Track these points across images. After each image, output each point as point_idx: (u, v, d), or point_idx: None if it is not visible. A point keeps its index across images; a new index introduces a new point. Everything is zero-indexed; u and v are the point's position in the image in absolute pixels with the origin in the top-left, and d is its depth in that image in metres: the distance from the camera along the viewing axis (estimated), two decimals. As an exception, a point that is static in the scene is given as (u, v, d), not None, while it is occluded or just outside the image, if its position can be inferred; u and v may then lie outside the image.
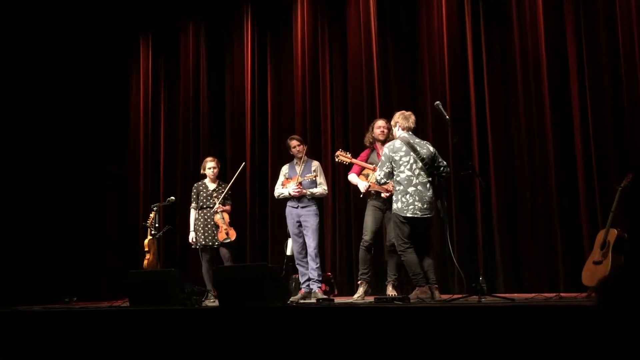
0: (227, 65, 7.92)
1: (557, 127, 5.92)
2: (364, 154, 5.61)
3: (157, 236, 6.32)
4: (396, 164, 4.86)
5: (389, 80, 6.92)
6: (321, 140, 7.18)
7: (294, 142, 5.93)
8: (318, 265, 5.78)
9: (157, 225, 6.32)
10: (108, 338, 4.33)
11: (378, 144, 5.55)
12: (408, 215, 4.80)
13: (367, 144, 5.61)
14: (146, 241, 6.32)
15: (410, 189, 4.81)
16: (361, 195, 5.52)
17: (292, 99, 7.43)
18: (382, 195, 5.34)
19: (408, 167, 4.83)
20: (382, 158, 4.95)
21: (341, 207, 6.95)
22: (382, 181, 4.96)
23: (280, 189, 5.92)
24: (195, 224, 6.15)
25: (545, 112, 5.98)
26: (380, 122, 5.54)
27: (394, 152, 4.87)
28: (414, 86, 6.77)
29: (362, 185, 5.41)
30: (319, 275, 5.79)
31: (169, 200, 6.61)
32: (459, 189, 6.10)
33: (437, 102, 4.95)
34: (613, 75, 5.69)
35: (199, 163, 7.79)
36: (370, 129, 5.59)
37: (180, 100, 8.08)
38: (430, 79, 6.62)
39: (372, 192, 5.43)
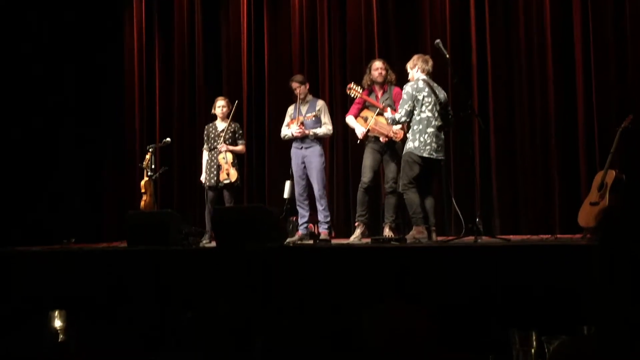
0: (223, 6, 7.71)
1: (558, 67, 5.85)
2: (363, 95, 5.53)
3: (153, 177, 6.29)
4: (418, 103, 4.85)
5: (387, 20, 6.76)
6: (319, 83, 7.07)
7: (293, 84, 5.84)
8: (324, 207, 5.74)
9: (153, 166, 6.28)
10: (105, 278, 4.37)
11: (376, 86, 5.47)
12: (424, 155, 4.81)
13: (365, 86, 5.53)
14: (142, 182, 6.29)
15: (430, 130, 4.82)
16: (357, 142, 5.47)
17: (289, 40, 7.28)
18: (381, 139, 5.29)
19: (429, 107, 4.84)
20: (404, 96, 4.90)
21: (339, 149, 6.91)
22: (402, 119, 4.93)
23: (285, 130, 5.85)
24: (205, 165, 6.12)
25: (547, 51, 5.89)
26: (378, 64, 5.44)
27: (417, 92, 4.84)
28: (413, 25, 6.62)
29: (359, 130, 5.35)
30: (325, 217, 5.74)
31: (164, 142, 6.55)
32: (457, 130, 6.04)
33: (437, 40, 4.86)
34: (616, 15, 5.58)
35: (195, 104, 7.73)
36: (368, 71, 5.50)
37: (175, 43, 7.91)
38: (431, 17, 6.47)
39: (371, 135, 5.37)
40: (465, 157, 5.95)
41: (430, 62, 4.98)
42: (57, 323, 2.82)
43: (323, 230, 5.75)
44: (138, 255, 4.61)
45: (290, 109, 5.92)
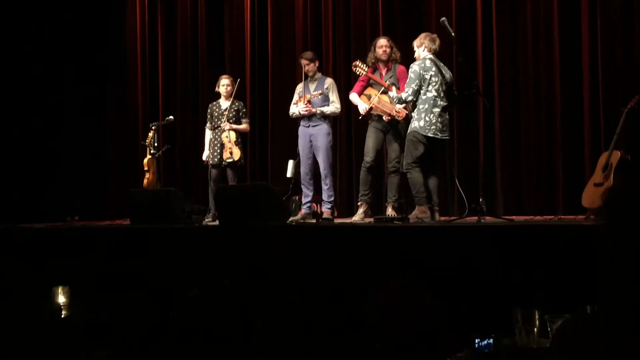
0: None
1: (564, 46, 5.78)
2: (369, 73, 5.48)
3: (156, 155, 6.28)
4: (425, 82, 4.83)
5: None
6: (322, 61, 7.00)
7: (303, 61, 5.78)
8: (329, 186, 5.71)
9: (156, 144, 6.26)
10: (109, 255, 4.38)
11: (381, 64, 5.42)
12: (429, 134, 4.79)
13: (370, 64, 5.48)
14: (145, 160, 6.28)
15: (435, 110, 4.80)
16: (360, 117, 5.44)
17: (292, 17, 7.20)
18: (384, 118, 5.26)
19: (436, 87, 4.82)
20: (411, 75, 4.87)
21: (342, 128, 6.88)
22: (409, 99, 4.90)
23: (293, 108, 5.81)
24: (209, 144, 6.09)
25: (553, 31, 5.82)
26: (383, 41, 5.39)
27: (425, 71, 4.81)
28: (418, 2, 6.54)
29: (362, 106, 5.32)
30: (329, 196, 5.72)
31: (167, 120, 6.52)
32: (462, 109, 6.00)
33: (443, 18, 4.82)
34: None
35: (198, 82, 7.68)
36: (373, 49, 5.44)
37: (178, 19, 7.84)
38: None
39: (374, 114, 5.34)
40: (469, 137, 5.92)
41: (438, 42, 4.94)
42: (61, 299, 2.83)
43: (326, 210, 5.74)
44: (141, 233, 4.62)
45: (299, 87, 5.87)
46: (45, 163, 7.67)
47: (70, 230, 5.06)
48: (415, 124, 4.84)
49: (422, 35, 4.99)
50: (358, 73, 5.41)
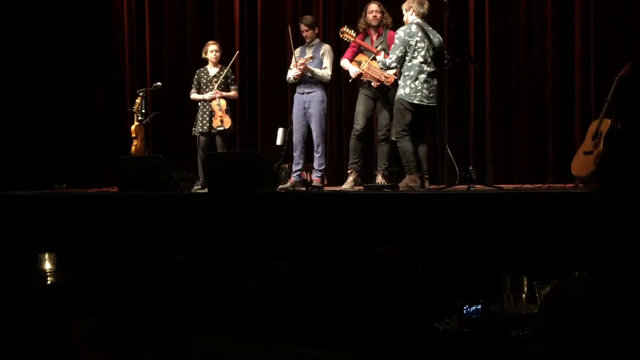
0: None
1: (557, 13, 5.73)
2: (358, 38, 5.40)
3: (144, 122, 6.20)
4: (410, 49, 4.74)
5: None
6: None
7: (302, 27, 5.66)
8: (320, 154, 5.66)
9: (143, 111, 6.17)
10: (97, 223, 4.35)
11: (371, 30, 5.34)
12: (415, 102, 4.74)
13: (361, 30, 5.40)
14: (133, 127, 6.20)
15: (421, 76, 4.73)
16: (349, 81, 5.38)
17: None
18: (373, 84, 5.21)
19: (422, 53, 4.74)
20: (396, 41, 4.79)
21: (332, 96, 6.80)
22: (393, 65, 4.83)
23: (289, 73, 5.71)
24: (198, 111, 6.00)
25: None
26: (373, 6, 5.29)
27: (410, 37, 4.73)
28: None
29: (352, 70, 5.26)
30: (320, 164, 5.68)
31: (155, 86, 6.42)
32: (453, 76, 5.95)
33: (435, -17, 4.72)
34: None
35: (186, 48, 7.55)
36: (363, 14, 5.36)
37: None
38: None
39: (364, 80, 5.28)
40: (460, 104, 5.87)
41: (426, 5, 4.84)
42: (47, 265, 2.80)
43: (316, 178, 5.71)
44: (129, 200, 4.59)
45: (297, 52, 5.76)
46: (32, 131, 7.57)
47: (58, 198, 5.01)
48: (400, 92, 4.79)
49: None
50: (346, 39, 5.34)
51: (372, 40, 5.34)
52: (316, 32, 5.73)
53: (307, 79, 5.58)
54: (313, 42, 5.69)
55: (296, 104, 5.70)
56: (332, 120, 6.84)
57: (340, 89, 6.63)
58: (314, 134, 5.62)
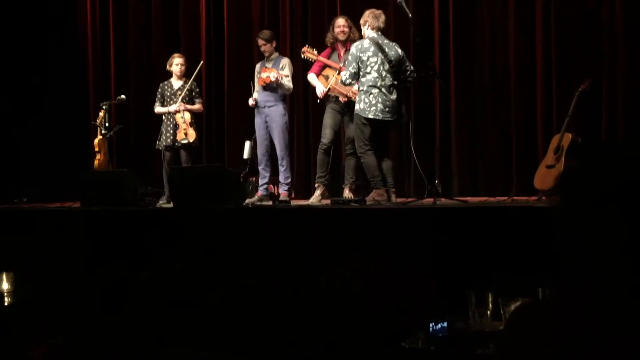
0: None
1: (519, 30, 5.87)
2: (324, 54, 5.44)
3: (107, 136, 6.10)
4: (363, 64, 4.74)
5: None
6: (279, 40, 6.90)
7: (259, 41, 5.72)
8: (285, 167, 5.67)
9: (107, 124, 6.08)
10: (58, 239, 4.25)
11: (339, 44, 5.38)
12: (370, 116, 4.74)
13: (328, 44, 5.43)
14: (96, 141, 6.10)
15: (374, 91, 4.72)
16: (318, 101, 5.40)
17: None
18: (340, 99, 5.23)
19: (375, 67, 4.72)
20: (349, 57, 4.82)
21: (299, 109, 6.82)
22: (347, 81, 4.84)
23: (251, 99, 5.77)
24: (162, 125, 5.94)
25: (509, 14, 5.88)
26: (341, 21, 5.33)
27: (362, 52, 4.73)
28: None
29: (319, 89, 5.28)
30: (286, 178, 5.68)
31: (119, 99, 6.33)
32: (418, 90, 6.02)
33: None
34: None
35: (152, 60, 7.47)
36: (331, 28, 5.39)
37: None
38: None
39: (331, 95, 5.31)
40: (425, 118, 5.94)
41: (382, 18, 4.82)
42: (4, 286, 2.72)
43: (283, 191, 5.70)
44: (92, 216, 4.49)
45: (257, 67, 5.81)
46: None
47: (18, 213, 4.88)
48: (356, 107, 4.81)
49: (366, 12, 4.88)
50: (307, 58, 5.37)
51: (339, 54, 5.37)
52: (274, 45, 5.75)
53: (267, 92, 5.60)
54: (272, 56, 5.71)
55: (257, 117, 5.72)
56: (299, 134, 6.84)
57: (307, 101, 6.64)
58: (277, 148, 5.63)
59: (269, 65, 5.69)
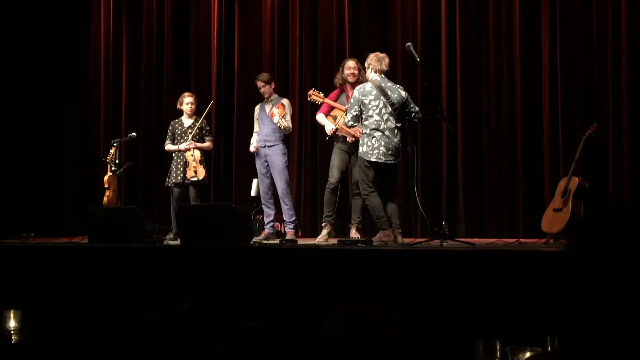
0: (193, 1, 7.59)
1: (525, 75, 5.94)
2: (333, 95, 5.50)
3: (117, 172, 6.15)
4: (365, 107, 4.78)
5: (359, 19, 6.75)
6: (289, 81, 7.02)
7: (259, 83, 5.84)
8: (289, 206, 5.71)
9: (117, 161, 6.14)
10: (66, 274, 4.25)
11: (348, 86, 5.44)
12: (372, 159, 4.76)
13: (337, 85, 5.50)
14: (106, 177, 6.15)
15: (377, 134, 4.75)
16: (326, 138, 5.45)
17: (260, 36, 7.20)
18: (348, 139, 5.28)
19: (377, 111, 4.76)
20: (351, 100, 4.88)
21: (308, 148, 6.88)
22: (349, 124, 4.89)
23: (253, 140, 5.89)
24: (172, 162, 6.01)
25: (515, 59, 5.98)
26: (350, 63, 5.40)
27: (364, 96, 4.78)
28: (384, 26, 6.62)
29: (328, 127, 5.33)
30: (290, 216, 5.71)
31: (130, 136, 6.41)
32: (425, 133, 6.07)
33: (408, 43, 4.85)
34: (584, 27, 5.70)
35: (162, 99, 7.58)
36: (341, 70, 5.46)
37: (143, 35, 7.75)
38: (402, 20, 6.48)
39: (339, 135, 5.36)
40: (433, 160, 5.98)
41: (386, 61, 4.86)
42: (12, 324, 2.72)
43: (289, 230, 5.72)
44: (99, 252, 4.50)
45: (256, 110, 5.93)
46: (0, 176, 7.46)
47: (26, 248, 4.90)
48: (360, 149, 4.84)
49: (370, 55, 4.93)
50: (314, 101, 5.43)
51: (347, 96, 5.43)
52: (273, 87, 5.87)
53: (267, 132, 5.68)
54: (271, 97, 5.81)
55: (257, 157, 5.80)
56: (307, 172, 6.88)
57: (316, 141, 6.70)
58: (279, 187, 5.68)
59: (267, 107, 5.79)
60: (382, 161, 4.77)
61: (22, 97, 7.69)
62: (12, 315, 2.73)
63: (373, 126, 4.75)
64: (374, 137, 4.75)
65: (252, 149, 5.90)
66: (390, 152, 4.77)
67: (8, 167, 7.47)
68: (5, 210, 7.18)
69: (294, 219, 5.76)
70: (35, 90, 7.80)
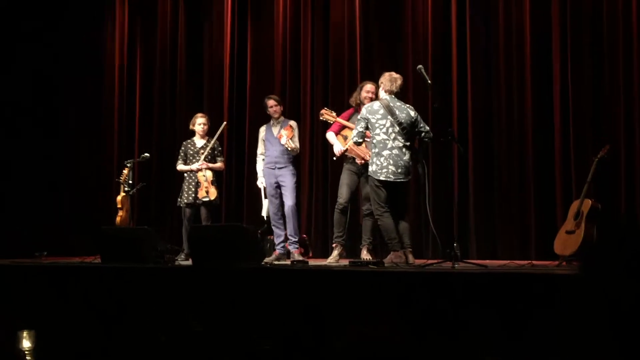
0: (207, 21, 7.70)
1: (536, 96, 5.94)
2: (345, 114, 5.54)
3: (130, 193, 6.20)
4: (372, 126, 4.81)
5: (370, 42, 6.82)
6: (300, 101, 7.08)
7: (271, 102, 5.88)
8: (295, 226, 5.75)
9: (130, 182, 6.19)
10: (78, 294, 4.27)
11: (362, 107, 5.46)
12: (382, 178, 4.78)
13: (353, 104, 5.52)
14: (119, 198, 6.20)
15: (385, 152, 4.77)
16: (334, 158, 5.48)
17: (272, 57, 7.28)
18: (357, 160, 5.30)
19: (384, 130, 4.78)
20: (358, 117, 4.92)
21: (318, 168, 6.91)
22: (354, 139, 4.92)
23: (259, 162, 5.96)
24: (183, 182, 6.07)
25: (525, 81, 5.98)
26: (369, 87, 5.41)
27: (371, 114, 4.82)
28: (396, 48, 6.67)
29: (336, 148, 5.36)
30: (295, 235, 5.76)
31: (143, 157, 6.46)
32: (436, 155, 6.08)
33: (420, 66, 4.88)
34: (594, 49, 5.72)
35: (175, 120, 7.66)
36: (358, 90, 5.48)
37: (157, 56, 7.86)
38: (413, 42, 6.53)
39: (349, 155, 5.38)
40: (444, 181, 5.98)
41: (398, 83, 4.87)
42: (26, 344, 2.73)
43: (294, 249, 5.75)
44: (112, 272, 4.53)
45: (262, 131, 5.98)
46: (12, 194, 7.53)
47: (39, 268, 4.93)
48: (370, 169, 4.86)
49: (385, 74, 4.95)
50: (326, 120, 5.46)
51: (361, 117, 5.46)
52: (282, 109, 5.93)
53: (277, 154, 5.72)
54: (279, 119, 5.86)
55: (267, 178, 5.84)
56: (316, 191, 6.91)
57: (327, 161, 6.72)
58: (287, 206, 5.74)
59: (275, 129, 5.84)
60: (392, 179, 4.78)
61: (36, 116, 7.79)
62: (26, 335, 2.74)
63: (381, 145, 4.78)
64: (382, 155, 4.77)
65: (260, 184, 5.97)
66: (399, 170, 4.78)
67: (21, 185, 7.56)
68: (19, 230, 7.25)
69: (297, 238, 5.82)
70: (51, 110, 7.89)
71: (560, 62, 5.80)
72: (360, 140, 4.92)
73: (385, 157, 4.76)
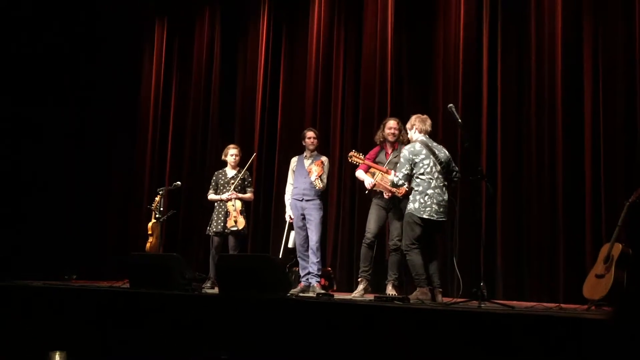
0: (241, 53, 7.90)
1: (567, 138, 5.88)
2: (372, 153, 5.60)
3: (161, 220, 6.32)
4: (416, 166, 4.89)
5: (401, 79, 6.89)
6: (330, 136, 7.17)
7: (310, 133, 5.98)
8: (319, 259, 5.79)
9: (161, 209, 6.31)
10: (106, 317, 4.34)
11: (387, 144, 5.54)
12: (424, 216, 4.82)
13: (378, 142, 5.60)
14: (150, 224, 6.32)
15: (430, 191, 4.84)
16: (366, 192, 5.52)
17: (303, 92, 7.41)
18: (385, 195, 5.33)
19: (428, 169, 4.87)
20: (402, 160, 4.96)
21: (346, 203, 6.94)
22: (400, 182, 4.95)
23: (287, 193, 6.03)
24: (213, 212, 6.17)
25: (556, 123, 5.93)
26: (392, 123, 5.51)
27: (415, 155, 4.89)
28: (426, 87, 6.74)
29: (367, 181, 5.40)
30: (318, 269, 5.80)
31: (175, 185, 6.60)
32: (464, 193, 6.07)
33: (450, 105, 4.93)
34: (627, 89, 5.67)
35: (207, 150, 7.81)
36: (382, 127, 5.57)
37: (191, 85, 8.07)
38: (444, 80, 6.58)
39: (377, 190, 5.42)
40: (472, 221, 5.95)
41: (428, 122, 5.05)
42: (57, 365, 2.79)
43: (316, 282, 5.76)
44: (140, 297, 4.59)
45: (293, 162, 6.03)
46: (46, 218, 7.70)
47: (69, 291, 5.02)
48: (410, 206, 4.90)
49: (413, 117, 5.10)
50: (354, 162, 5.52)
51: (387, 153, 5.52)
52: (318, 143, 6.03)
53: (306, 186, 5.77)
54: (313, 152, 5.93)
55: (294, 210, 5.89)
56: (343, 226, 6.93)
57: (354, 196, 6.76)
58: (312, 241, 5.77)
59: (307, 161, 5.91)
60: (435, 218, 4.85)
61: (72, 145, 8.01)
62: (57, 357, 2.80)
63: (425, 184, 4.85)
64: (426, 194, 4.83)
65: (287, 218, 6.01)
66: (441, 210, 4.87)
67: (52, 208, 7.72)
68: (49, 253, 7.39)
69: (320, 272, 5.83)
70: (88, 138, 8.11)
71: (592, 105, 5.77)
72: (405, 183, 4.95)
73: (430, 196, 4.83)
